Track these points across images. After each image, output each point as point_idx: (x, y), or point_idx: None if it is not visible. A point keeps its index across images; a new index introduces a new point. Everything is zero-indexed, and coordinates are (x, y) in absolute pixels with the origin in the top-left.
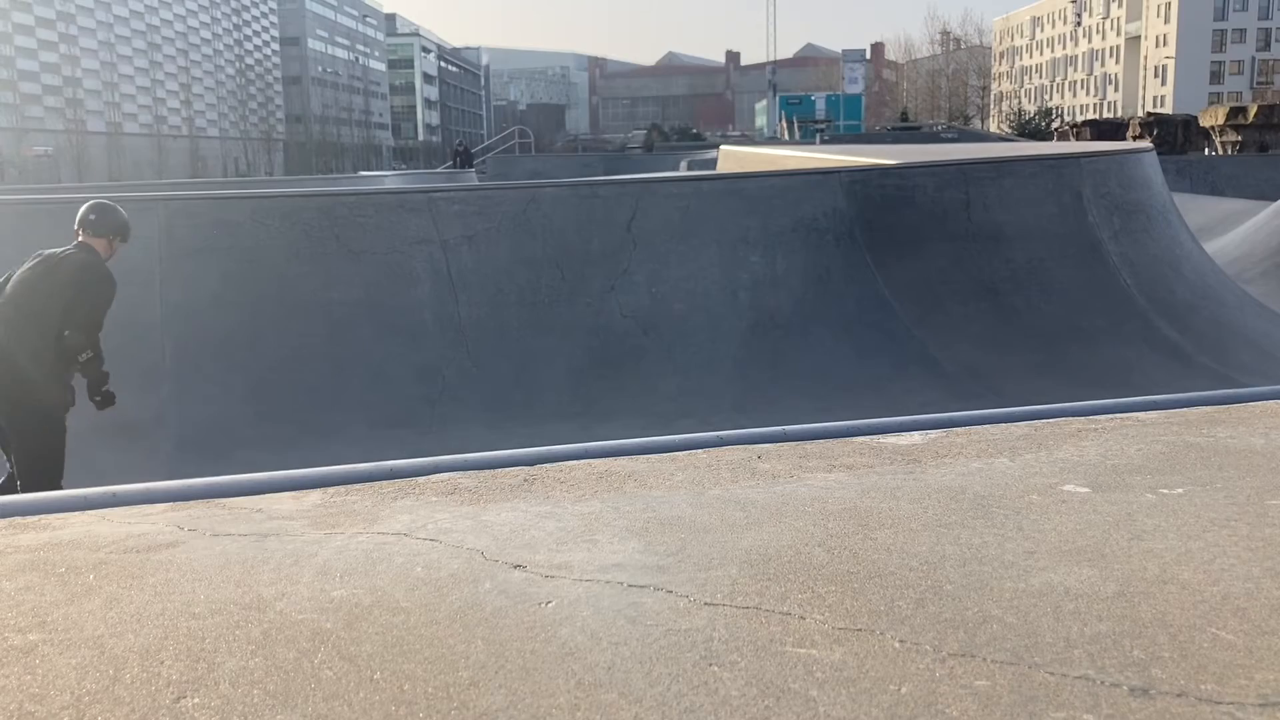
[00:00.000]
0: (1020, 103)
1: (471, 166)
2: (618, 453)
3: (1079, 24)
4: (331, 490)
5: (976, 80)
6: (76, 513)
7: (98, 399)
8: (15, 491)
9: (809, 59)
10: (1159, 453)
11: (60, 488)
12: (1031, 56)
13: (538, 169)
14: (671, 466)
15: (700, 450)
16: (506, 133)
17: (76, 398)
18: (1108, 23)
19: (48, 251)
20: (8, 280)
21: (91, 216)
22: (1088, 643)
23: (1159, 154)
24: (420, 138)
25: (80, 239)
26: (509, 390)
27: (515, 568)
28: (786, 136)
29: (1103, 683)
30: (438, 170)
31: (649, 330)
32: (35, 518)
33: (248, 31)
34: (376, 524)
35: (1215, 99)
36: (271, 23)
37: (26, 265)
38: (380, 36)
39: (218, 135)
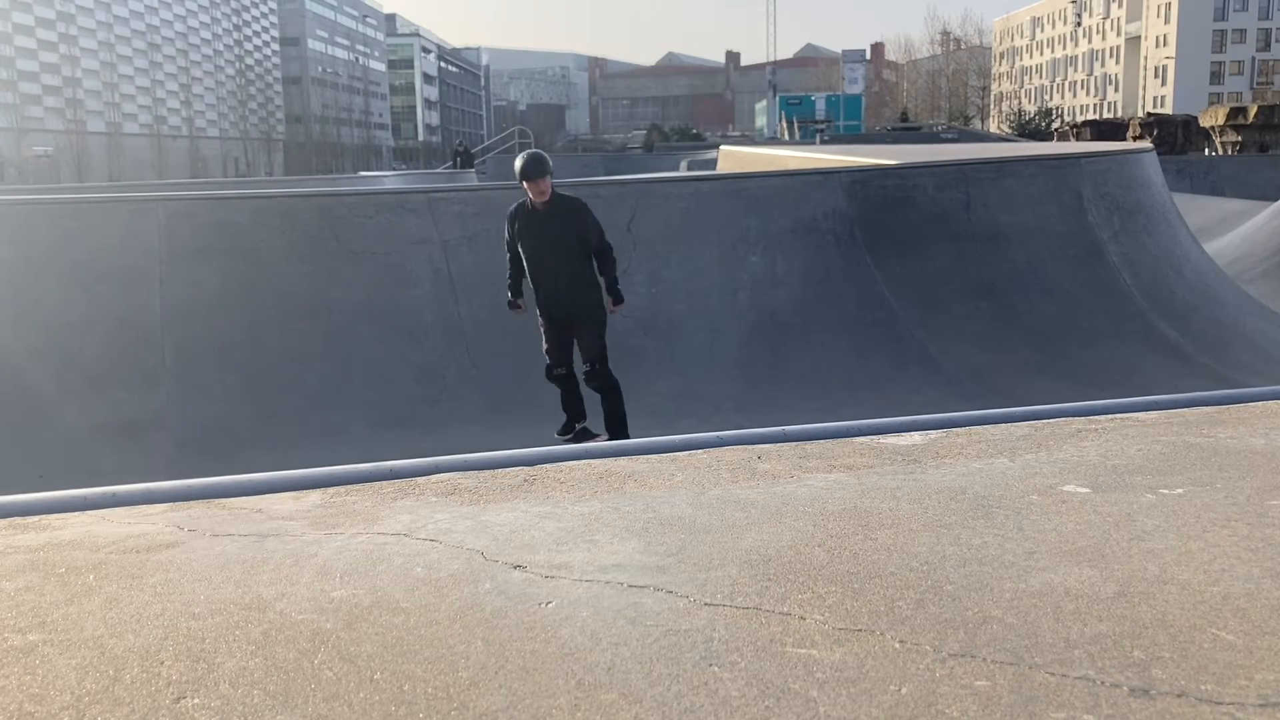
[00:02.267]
0: (1020, 103)
1: (472, 167)
2: (618, 453)
3: (1079, 24)
4: (331, 491)
5: (977, 80)
6: (76, 513)
7: (619, 288)
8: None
9: (809, 59)
10: (1159, 453)
11: (607, 356)
12: (1031, 57)
13: None
14: (671, 467)
15: (700, 450)
16: (506, 133)
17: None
18: (1108, 23)
19: (525, 208)
20: (517, 244)
21: (531, 169)
22: (1088, 643)
23: (1159, 154)
24: (420, 138)
25: (534, 186)
26: (509, 390)
27: (515, 568)
28: (786, 137)
29: (1103, 683)
30: (438, 170)
31: (649, 330)
32: (35, 518)
33: (248, 32)
34: (376, 524)
35: (1215, 99)
36: (271, 23)
37: (528, 225)
38: (380, 37)
39: (218, 135)
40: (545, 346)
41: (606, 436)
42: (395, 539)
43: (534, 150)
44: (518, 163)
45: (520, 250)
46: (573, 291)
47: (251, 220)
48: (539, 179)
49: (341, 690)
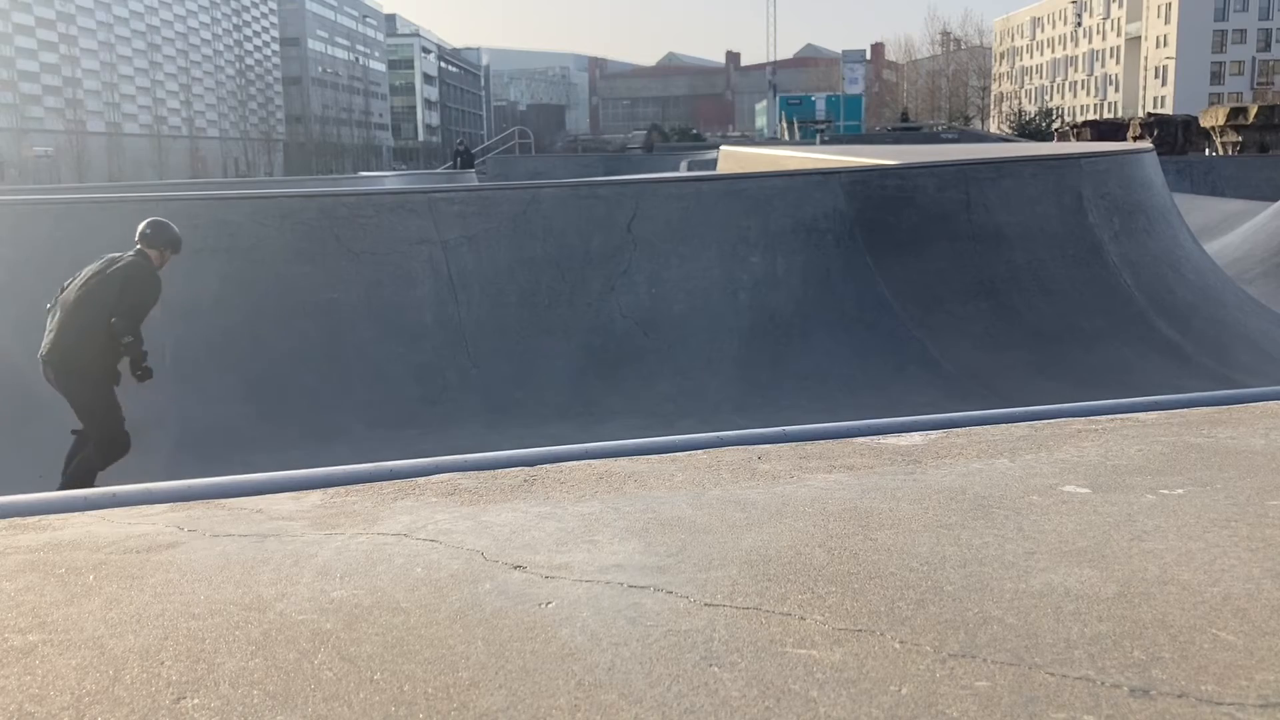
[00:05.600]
0: (1021, 103)
1: (472, 167)
2: (618, 453)
3: (1079, 24)
4: (331, 491)
5: (977, 81)
6: (76, 513)
7: (138, 374)
8: (87, 450)
9: (809, 59)
10: (1159, 453)
11: (122, 436)
12: (1032, 57)
13: (538, 169)
14: (671, 467)
15: (700, 451)
16: (506, 133)
17: (121, 379)
18: (1108, 23)
19: (112, 254)
20: (76, 276)
21: (147, 231)
22: (1088, 643)
23: (1159, 155)
24: (420, 138)
25: (138, 247)
26: (509, 390)
27: (515, 568)
28: (786, 137)
29: (1103, 683)
30: (438, 171)
31: (649, 330)
32: (35, 518)
33: (248, 32)
34: (376, 524)
35: (1215, 99)
36: (271, 23)
37: (94, 264)
38: (380, 37)
39: (218, 135)
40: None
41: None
42: (395, 539)
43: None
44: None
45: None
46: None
47: (251, 220)
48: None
49: (341, 690)
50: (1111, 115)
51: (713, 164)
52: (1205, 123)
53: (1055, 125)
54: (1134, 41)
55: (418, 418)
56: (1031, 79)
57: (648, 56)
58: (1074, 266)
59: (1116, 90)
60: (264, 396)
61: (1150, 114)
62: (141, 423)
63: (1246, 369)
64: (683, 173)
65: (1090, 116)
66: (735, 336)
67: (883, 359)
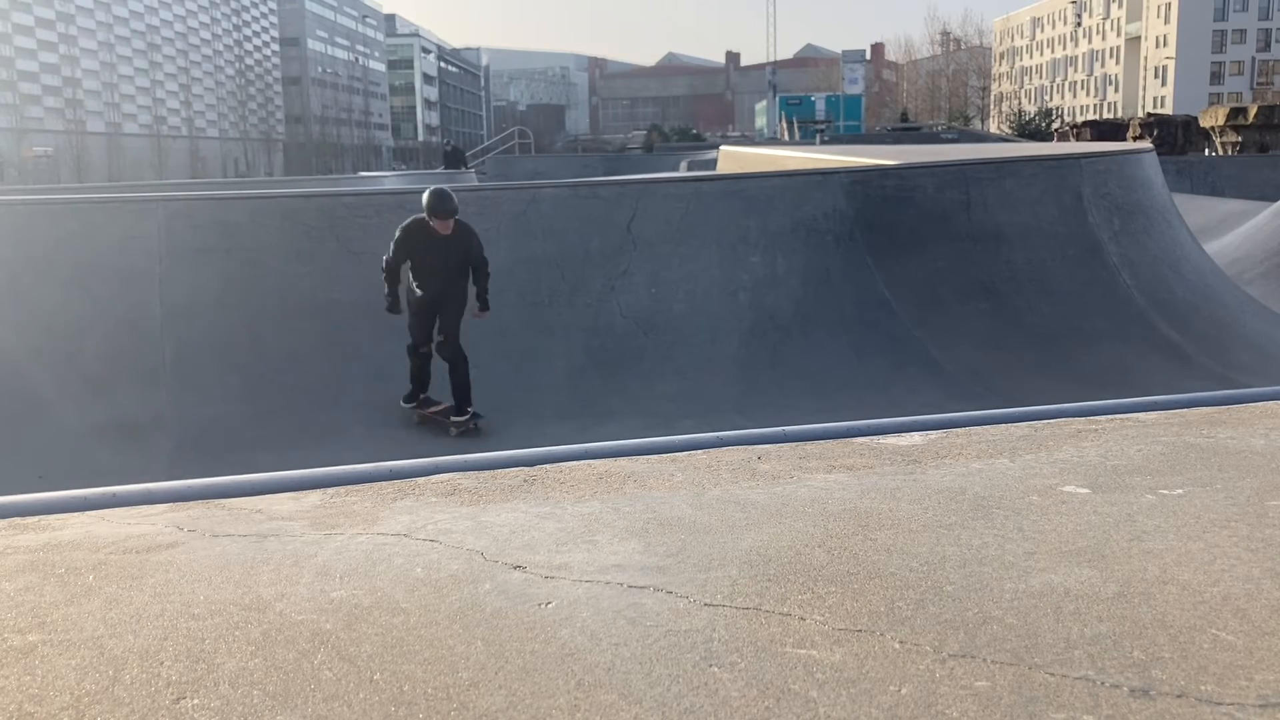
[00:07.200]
0: (1020, 103)
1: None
2: (618, 453)
3: (1079, 25)
4: (331, 491)
5: (977, 81)
6: (76, 513)
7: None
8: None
9: (809, 59)
10: (1159, 453)
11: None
12: (1031, 57)
13: (538, 169)
14: (671, 467)
15: (700, 451)
16: (506, 133)
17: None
18: (1108, 23)
19: (426, 230)
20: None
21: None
22: (1088, 643)
23: (1159, 155)
24: (420, 138)
25: (441, 223)
26: (509, 390)
27: (515, 568)
28: (786, 137)
29: (1103, 683)
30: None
31: (649, 330)
32: (35, 518)
33: (247, 32)
34: (376, 525)
35: (1215, 99)
36: (271, 23)
37: (430, 246)
38: (380, 37)
39: (217, 136)
40: (411, 328)
41: (444, 405)
42: (395, 539)
43: (440, 188)
44: (426, 199)
45: (414, 262)
46: (451, 288)
47: (251, 220)
48: (445, 219)
49: (341, 690)
50: (1111, 115)
51: (713, 164)
52: (1205, 123)
53: (1055, 125)
54: (1134, 41)
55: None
56: (1031, 79)
57: (648, 56)
58: (1074, 266)
59: (1116, 90)
60: (264, 396)
61: (1150, 114)
62: (142, 423)
63: (1246, 369)
64: (682, 173)
65: (1090, 116)
66: (735, 336)
67: (883, 359)
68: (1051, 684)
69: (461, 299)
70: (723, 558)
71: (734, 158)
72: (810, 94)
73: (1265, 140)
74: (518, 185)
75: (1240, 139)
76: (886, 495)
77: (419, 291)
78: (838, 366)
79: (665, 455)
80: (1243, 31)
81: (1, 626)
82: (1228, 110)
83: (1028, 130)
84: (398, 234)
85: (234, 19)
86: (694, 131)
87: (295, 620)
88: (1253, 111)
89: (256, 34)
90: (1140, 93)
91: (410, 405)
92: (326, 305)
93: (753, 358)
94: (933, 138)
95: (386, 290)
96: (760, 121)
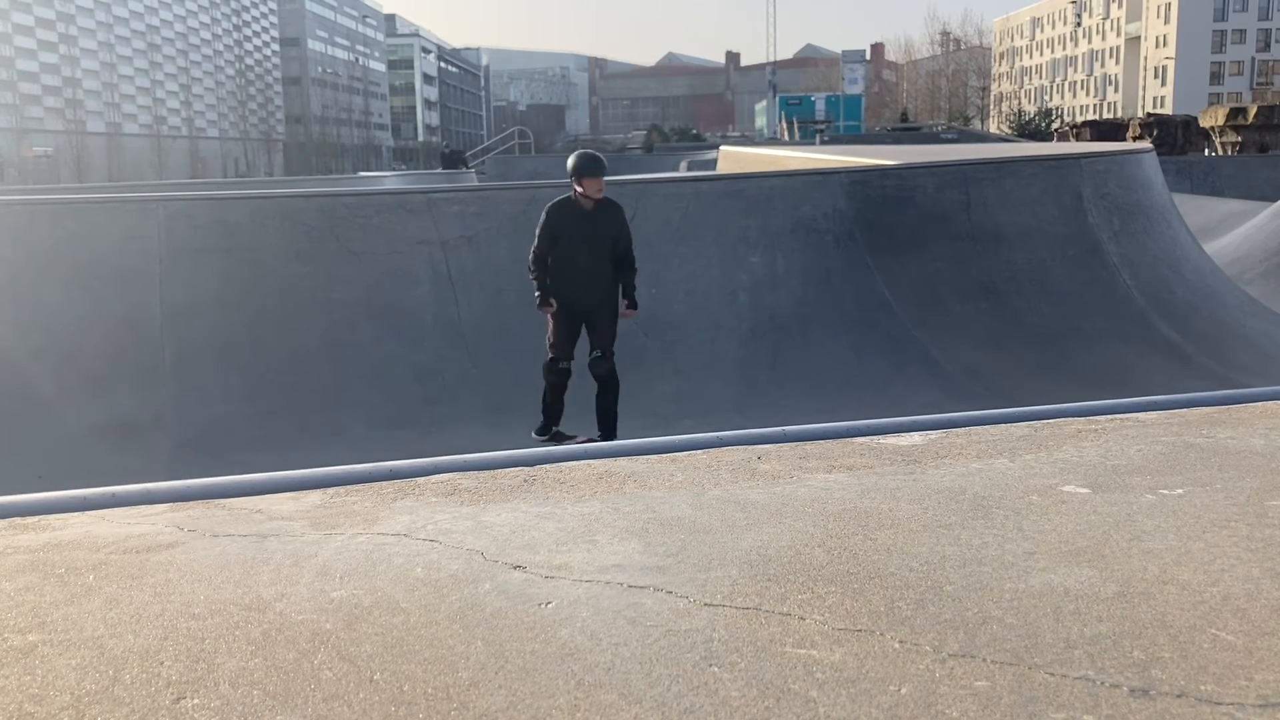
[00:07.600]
0: (1020, 103)
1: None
2: (618, 453)
3: (1079, 25)
4: (331, 491)
5: (976, 81)
6: (76, 513)
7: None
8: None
9: (809, 60)
10: (1159, 453)
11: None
12: (1031, 57)
13: (538, 169)
14: (671, 467)
15: (700, 451)
16: (506, 133)
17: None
18: (1107, 23)
19: (571, 206)
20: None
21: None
22: (1088, 643)
23: (1159, 155)
24: (420, 138)
25: (593, 184)
26: (509, 390)
27: (515, 568)
28: (786, 137)
29: (1103, 683)
30: (438, 171)
31: (649, 331)
32: (35, 518)
33: (247, 32)
34: (376, 524)
35: (1215, 100)
36: (271, 23)
37: (575, 223)
38: (380, 37)
39: (217, 136)
40: (551, 340)
41: (584, 439)
42: (395, 539)
43: (589, 150)
44: (573, 161)
45: (556, 247)
46: (599, 287)
47: (251, 220)
48: (598, 177)
49: (341, 690)
50: (1111, 115)
51: (713, 164)
52: (1205, 123)
53: (1055, 125)
54: (1134, 41)
55: (418, 418)
56: (1031, 79)
57: (648, 56)
58: (1074, 266)
59: (1116, 90)
60: (264, 396)
61: (1150, 114)
62: (142, 423)
63: (1246, 369)
64: (682, 173)
65: (1090, 116)
66: (735, 336)
67: (883, 359)
68: (1051, 684)
69: (615, 300)
70: (723, 558)
71: (734, 158)
72: (810, 94)
73: (1265, 140)
74: (518, 185)
75: (1240, 139)
76: (886, 495)
77: (559, 290)
78: (838, 366)
79: (665, 455)
80: (1242, 31)
81: (1, 626)
82: (1227, 110)
83: (1027, 130)
84: (542, 216)
85: (234, 19)
86: (694, 132)
87: (295, 620)
88: (1252, 111)
89: (256, 34)
90: (1140, 93)
91: (543, 438)
92: (326, 305)
93: (753, 358)
94: (932, 138)
95: (536, 286)
96: (760, 122)
